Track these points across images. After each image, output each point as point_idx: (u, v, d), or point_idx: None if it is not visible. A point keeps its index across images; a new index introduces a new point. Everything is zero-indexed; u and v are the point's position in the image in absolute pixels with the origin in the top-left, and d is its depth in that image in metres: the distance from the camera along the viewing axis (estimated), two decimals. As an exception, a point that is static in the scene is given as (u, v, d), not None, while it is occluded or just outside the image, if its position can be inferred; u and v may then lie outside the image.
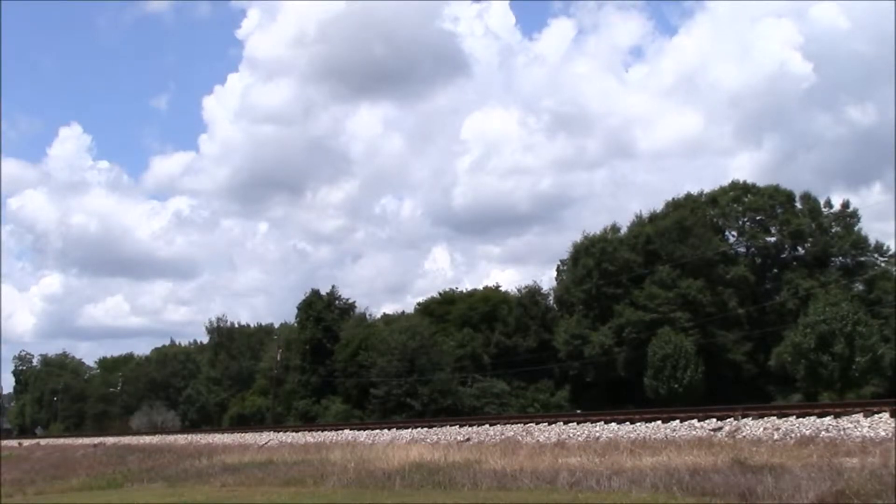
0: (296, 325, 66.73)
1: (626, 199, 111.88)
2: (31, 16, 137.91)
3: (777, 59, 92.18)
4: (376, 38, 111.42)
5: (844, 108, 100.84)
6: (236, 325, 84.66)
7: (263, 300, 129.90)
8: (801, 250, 55.66)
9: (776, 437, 13.74)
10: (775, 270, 56.44)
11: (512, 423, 20.45)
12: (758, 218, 56.03)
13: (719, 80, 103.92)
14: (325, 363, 60.56)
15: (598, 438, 16.21)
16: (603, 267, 53.38)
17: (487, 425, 20.77)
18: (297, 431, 27.62)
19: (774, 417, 15.02)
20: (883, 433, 12.57)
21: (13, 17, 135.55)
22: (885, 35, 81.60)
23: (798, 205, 55.94)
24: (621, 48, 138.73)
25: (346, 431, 25.04)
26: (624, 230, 57.30)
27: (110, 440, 36.07)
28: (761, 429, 14.51)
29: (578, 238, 57.51)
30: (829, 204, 56.27)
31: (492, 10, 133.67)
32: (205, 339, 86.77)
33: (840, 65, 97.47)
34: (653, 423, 16.63)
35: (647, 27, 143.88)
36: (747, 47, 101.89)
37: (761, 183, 57.60)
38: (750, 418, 15.25)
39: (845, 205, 55.94)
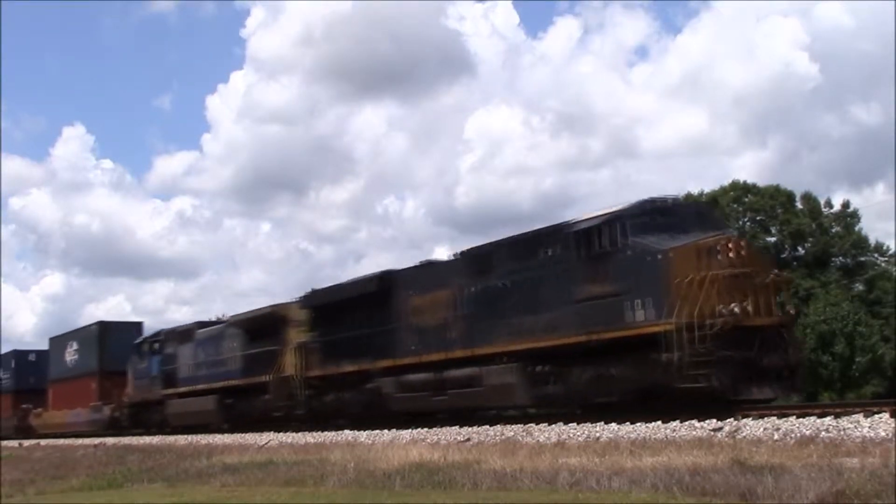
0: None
1: (629, 198, 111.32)
2: (35, 15, 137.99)
3: (783, 59, 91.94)
4: (381, 36, 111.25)
5: (850, 108, 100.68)
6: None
7: (265, 300, 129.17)
8: (801, 250, 55.72)
9: (776, 437, 13.74)
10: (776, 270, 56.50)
11: (512, 423, 20.44)
12: (758, 218, 56.07)
13: (724, 79, 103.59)
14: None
15: (598, 438, 16.21)
16: (603, 267, 53.28)
17: (487, 425, 20.76)
18: (297, 431, 27.61)
19: (774, 417, 15.01)
20: (883, 433, 12.57)
21: (17, 16, 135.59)
22: (889, 34, 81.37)
23: (798, 205, 56.01)
24: (626, 47, 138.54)
25: (346, 431, 25.02)
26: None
27: (110, 440, 36.01)
28: (761, 429, 14.50)
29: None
30: (829, 204, 56.38)
31: (497, 9, 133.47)
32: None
33: (845, 64, 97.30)
34: (653, 423, 16.61)
35: (652, 27, 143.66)
36: (752, 47, 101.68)
37: (766, 182, 57.71)
38: (750, 418, 15.24)
39: (845, 205, 56.03)
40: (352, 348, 25.13)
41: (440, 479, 11.75)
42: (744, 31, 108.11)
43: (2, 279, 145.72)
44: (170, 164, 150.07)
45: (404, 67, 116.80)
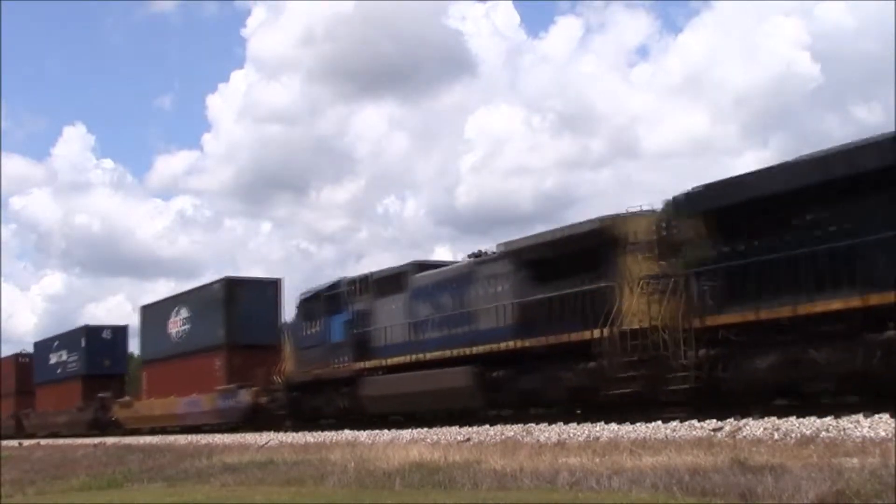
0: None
1: (630, 198, 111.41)
2: (35, 15, 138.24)
3: (784, 59, 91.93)
4: (382, 36, 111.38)
5: (851, 108, 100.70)
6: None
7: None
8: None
9: (776, 436, 13.75)
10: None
11: (512, 423, 20.46)
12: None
13: (725, 78, 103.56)
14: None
15: (598, 438, 16.22)
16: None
17: (487, 425, 20.78)
18: (297, 431, 27.63)
19: (774, 417, 15.03)
20: (883, 433, 12.58)
21: (18, 15, 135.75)
22: (890, 34, 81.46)
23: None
24: (627, 47, 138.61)
25: (346, 431, 25.05)
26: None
27: (110, 440, 36.02)
28: (761, 429, 14.52)
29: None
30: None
31: (498, 8, 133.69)
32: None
33: (846, 64, 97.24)
34: (653, 423, 16.63)
35: (654, 26, 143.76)
36: (753, 46, 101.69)
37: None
38: (750, 418, 15.25)
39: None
40: (822, 273, 14.38)
41: (440, 478, 11.75)
42: (745, 30, 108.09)
43: (2, 279, 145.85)
44: (170, 164, 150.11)
45: (405, 67, 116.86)
